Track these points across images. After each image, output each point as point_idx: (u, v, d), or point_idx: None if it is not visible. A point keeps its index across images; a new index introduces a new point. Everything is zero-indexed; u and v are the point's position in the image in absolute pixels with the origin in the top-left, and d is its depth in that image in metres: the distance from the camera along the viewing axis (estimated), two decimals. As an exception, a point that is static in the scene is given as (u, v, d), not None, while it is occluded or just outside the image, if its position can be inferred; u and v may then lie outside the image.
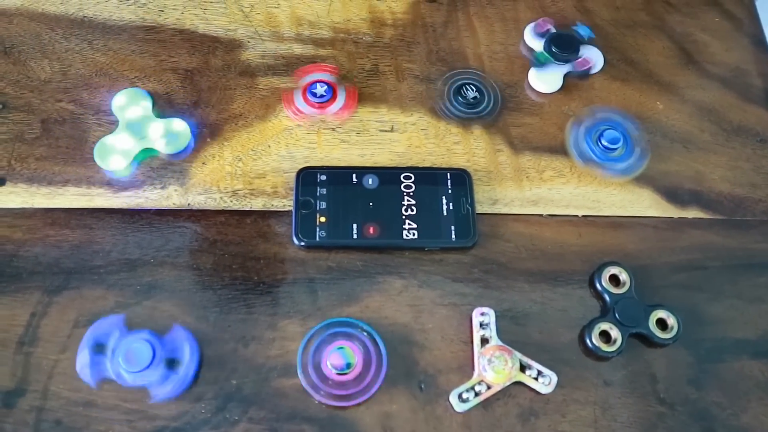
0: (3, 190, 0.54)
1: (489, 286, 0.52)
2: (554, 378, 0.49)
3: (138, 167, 0.55)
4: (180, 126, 0.56)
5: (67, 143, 0.56)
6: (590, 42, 0.62)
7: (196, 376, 0.48)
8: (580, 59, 0.60)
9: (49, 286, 0.50)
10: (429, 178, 0.55)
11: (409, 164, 0.57)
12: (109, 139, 0.55)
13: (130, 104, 0.56)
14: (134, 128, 0.55)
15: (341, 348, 0.48)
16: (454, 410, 0.48)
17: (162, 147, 0.55)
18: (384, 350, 0.49)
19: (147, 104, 0.57)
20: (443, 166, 0.57)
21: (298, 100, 0.58)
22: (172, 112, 0.57)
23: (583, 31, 0.62)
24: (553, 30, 0.62)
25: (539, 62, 0.61)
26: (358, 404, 0.48)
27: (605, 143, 0.57)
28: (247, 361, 0.49)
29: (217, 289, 0.51)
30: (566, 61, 0.60)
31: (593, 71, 0.61)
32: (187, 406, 0.47)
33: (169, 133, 0.56)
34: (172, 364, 0.47)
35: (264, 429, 0.47)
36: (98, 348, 0.47)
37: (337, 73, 0.59)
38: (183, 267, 0.52)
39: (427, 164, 0.57)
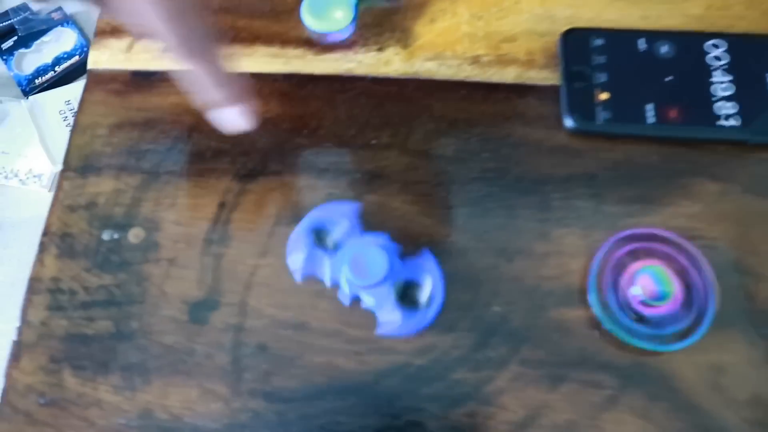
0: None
1: None
2: None
3: (355, 23, 0.41)
4: None
5: (253, -9, 0.42)
6: None
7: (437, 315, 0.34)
8: None
9: (240, 170, 0.38)
10: (750, 48, 0.39)
11: (711, 30, 0.41)
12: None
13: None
14: (343, -30, 0.41)
15: (652, 269, 0.34)
16: (818, 368, 0.33)
17: None
18: (710, 278, 0.34)
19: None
20: (763, 33, 0.41)
21: None
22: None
23: None
24: None
25: None
26: (676, 351, 0.33)
27: None
28: (512, 281, 0.35)
29: (463, 183, 0.37)
30: None
31: None
32: (434, 338, 0.34)
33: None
34: (407, 293, 0.34)
35: (542, 376, 0.33)
36: (318, 235, 0.34)
37: None
38: (419, 154, 0.38)
39: (738, 31, 0.41)
